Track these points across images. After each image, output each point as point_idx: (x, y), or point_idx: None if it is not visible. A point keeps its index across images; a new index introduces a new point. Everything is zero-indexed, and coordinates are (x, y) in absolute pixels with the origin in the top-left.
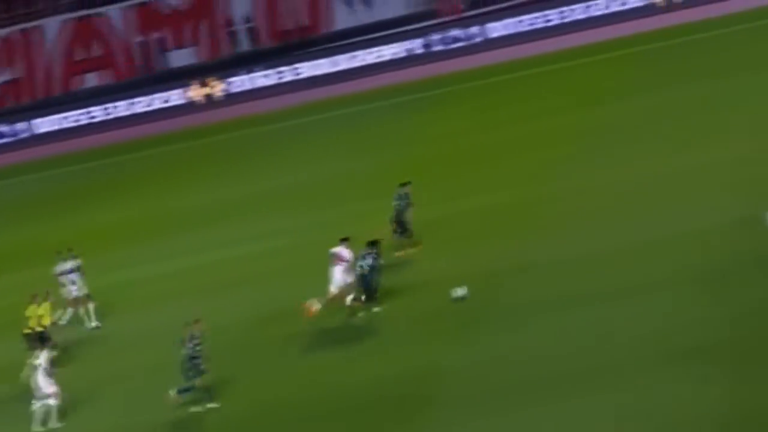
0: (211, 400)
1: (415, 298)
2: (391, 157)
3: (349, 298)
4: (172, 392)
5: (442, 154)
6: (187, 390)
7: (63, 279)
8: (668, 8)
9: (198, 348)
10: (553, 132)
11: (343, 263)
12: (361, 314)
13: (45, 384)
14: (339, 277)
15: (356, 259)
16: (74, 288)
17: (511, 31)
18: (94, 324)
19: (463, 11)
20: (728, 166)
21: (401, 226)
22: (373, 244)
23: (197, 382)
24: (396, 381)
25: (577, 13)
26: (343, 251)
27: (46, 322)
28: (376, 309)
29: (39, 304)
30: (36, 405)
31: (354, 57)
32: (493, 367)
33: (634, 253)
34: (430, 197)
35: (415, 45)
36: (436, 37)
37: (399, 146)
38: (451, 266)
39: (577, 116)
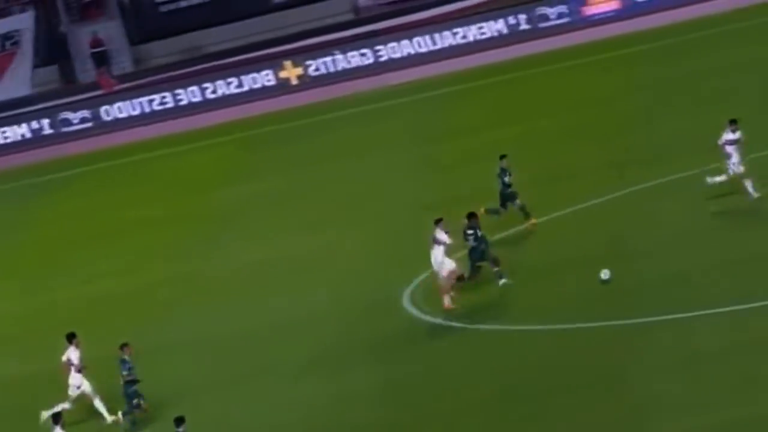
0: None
1: None
2: None
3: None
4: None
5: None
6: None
7: None
8: (299, 87)
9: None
10: (156, 218)
11: (441, 245)
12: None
13: None
14: (441, 259)
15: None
16: None
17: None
18: None
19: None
20: (355, 248)
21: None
22: (470, 217)
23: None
24: None
25: (193, 95)
26: (440, 233)
27: None
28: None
29: None
30: None
31: None
32: None
33: (253, 337)
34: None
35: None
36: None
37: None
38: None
39: (186, 203)
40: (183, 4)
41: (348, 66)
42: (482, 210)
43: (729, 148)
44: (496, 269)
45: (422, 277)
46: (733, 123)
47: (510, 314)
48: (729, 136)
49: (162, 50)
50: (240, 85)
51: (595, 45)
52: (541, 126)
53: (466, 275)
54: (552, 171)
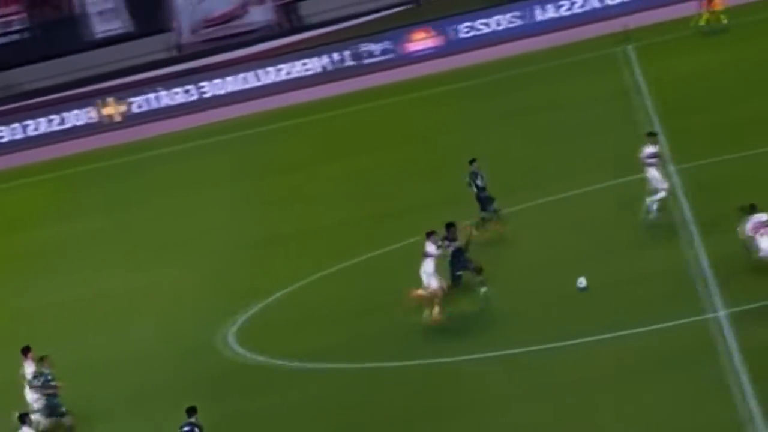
0: None
1: None
2: None
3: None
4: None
5: None
6: None
7: None
8: (122, 124)
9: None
10: None
11: (431, 257)
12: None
13: None
14: (430, 271)
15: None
16: None
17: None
18: None
19: None
20: (180, 287)
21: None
22: (448, 227)
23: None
24: None
25: (14, 132)
26: (429, 246)
27: None
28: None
29: None
30: None
31: None
32: None
33: (69, 375)
34: None
35: None
36: None
37: None
38: None
39: (4, 241)
40: (1, 40)
41: (171, 103)
42: (469, 228)
43: (650, 161)
44: (479, 278)
45: (249, 314)
46: (652, 136)
47: (336, 352)
48: (649, 149)
49: None
50: (62, 123)
51: (418, 81)
52: (367, 162)
53: (445, 287)
54: (379, 207)
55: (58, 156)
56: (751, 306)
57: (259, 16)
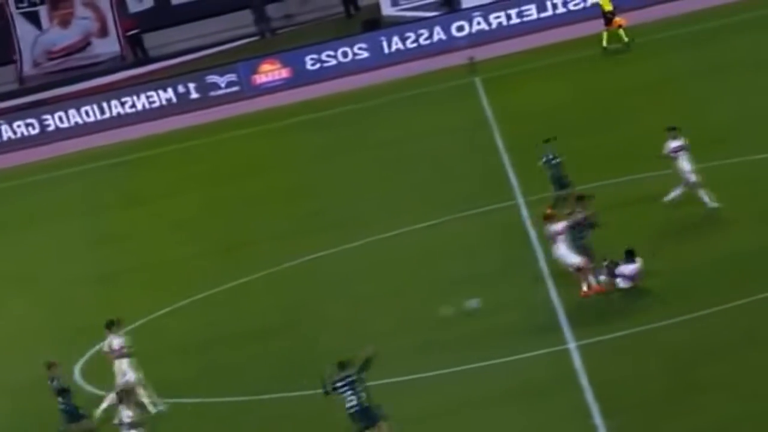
0: None
1: None
2: None
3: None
4: None
5: None
6: None
7: None
8: None
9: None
10: None
11: (558, 237)
12: None
13: None
14: (562, 252)
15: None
16: None
17: None
18: None
19: None
20: (24, 324)
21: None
22: (579, 199)
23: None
24: None
25: None
26: (556, 225)
27: None
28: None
29: None
30: None
31: None
32: None
33: None
34: None
35: None
36: None
37: None
38: None
39: None
40: None
41: (13, 136)
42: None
43: (675, 154)
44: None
45: (94, 350)
46: (673, 130)
47: (184, 386)
48: (673, 143)
49: None
50: None
51: (265, 113)
52: (218, 194)
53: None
54: (231, 239)
55: None
56: (601, 338)
57: (103, 48)
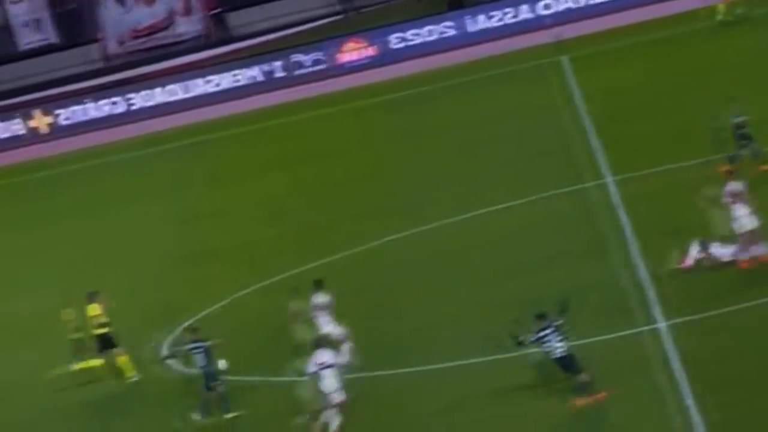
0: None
1: None
2: None
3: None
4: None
5: None
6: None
7: None
8: (49, 136)
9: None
10: None
11: (738, 194)
12: None
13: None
14: (743, 212)
15: None
16: None
17: None
18: None
19: None
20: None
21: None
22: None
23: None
24: None
25: None
26: (736, 185)
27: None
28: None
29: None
30: None
31: None
32: None
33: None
34: None
35: None
36: None
37: None
38: None
39: None
40: None
41: (99, 115)
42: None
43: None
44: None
45: (181, 327)
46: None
47: (264, 365)
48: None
49: None
50: None
51: (350, 92)
52: (301, 173)
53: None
54: (313, 219)
55: None
56: (691, 318)
57: (187, 26)
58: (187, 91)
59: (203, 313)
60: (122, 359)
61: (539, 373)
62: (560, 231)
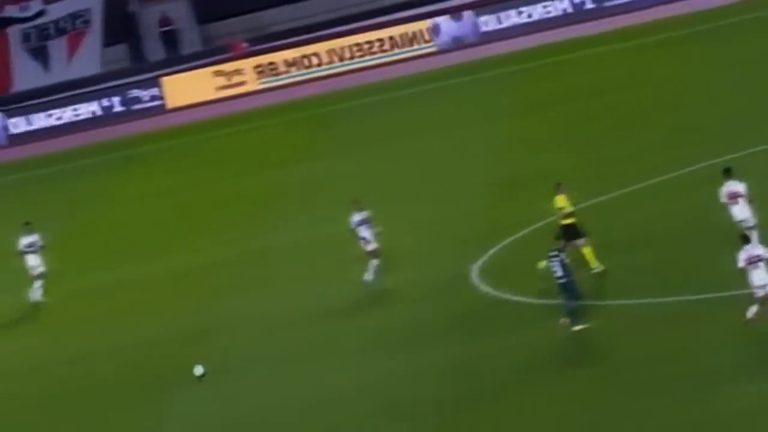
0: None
1: None
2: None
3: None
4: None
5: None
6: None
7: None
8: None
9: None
10: (234, 195)
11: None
12: None
13: None
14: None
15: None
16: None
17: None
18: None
19: None
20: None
21: None
22: None
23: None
24: None
25: None
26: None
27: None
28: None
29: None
30: None
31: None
32: None
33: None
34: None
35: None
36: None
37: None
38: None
39: (257, 180)
40: None
41: None
42: None
43: None
44: None
45: (493, 251)
46: None
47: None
48: None
49: (228, 29)
50: None
51: (647, 26)
52: (594, 106)
53: None
54: (604, 152)
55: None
56: None
57: None
58: (499, 22)
59: (512, 237)
60: (587, 250)
61: None
62: None
